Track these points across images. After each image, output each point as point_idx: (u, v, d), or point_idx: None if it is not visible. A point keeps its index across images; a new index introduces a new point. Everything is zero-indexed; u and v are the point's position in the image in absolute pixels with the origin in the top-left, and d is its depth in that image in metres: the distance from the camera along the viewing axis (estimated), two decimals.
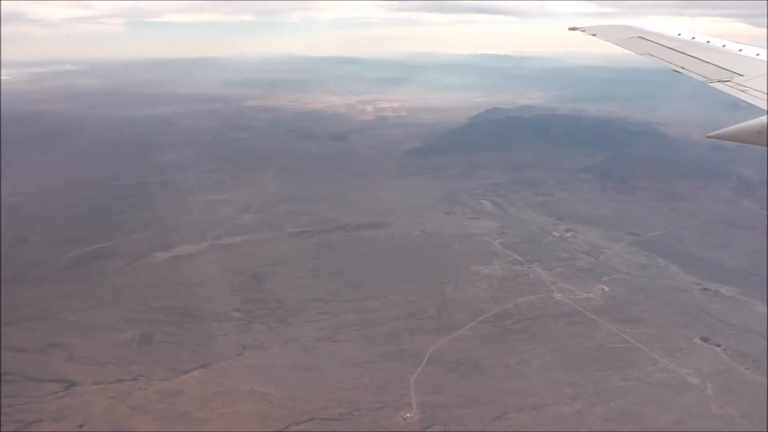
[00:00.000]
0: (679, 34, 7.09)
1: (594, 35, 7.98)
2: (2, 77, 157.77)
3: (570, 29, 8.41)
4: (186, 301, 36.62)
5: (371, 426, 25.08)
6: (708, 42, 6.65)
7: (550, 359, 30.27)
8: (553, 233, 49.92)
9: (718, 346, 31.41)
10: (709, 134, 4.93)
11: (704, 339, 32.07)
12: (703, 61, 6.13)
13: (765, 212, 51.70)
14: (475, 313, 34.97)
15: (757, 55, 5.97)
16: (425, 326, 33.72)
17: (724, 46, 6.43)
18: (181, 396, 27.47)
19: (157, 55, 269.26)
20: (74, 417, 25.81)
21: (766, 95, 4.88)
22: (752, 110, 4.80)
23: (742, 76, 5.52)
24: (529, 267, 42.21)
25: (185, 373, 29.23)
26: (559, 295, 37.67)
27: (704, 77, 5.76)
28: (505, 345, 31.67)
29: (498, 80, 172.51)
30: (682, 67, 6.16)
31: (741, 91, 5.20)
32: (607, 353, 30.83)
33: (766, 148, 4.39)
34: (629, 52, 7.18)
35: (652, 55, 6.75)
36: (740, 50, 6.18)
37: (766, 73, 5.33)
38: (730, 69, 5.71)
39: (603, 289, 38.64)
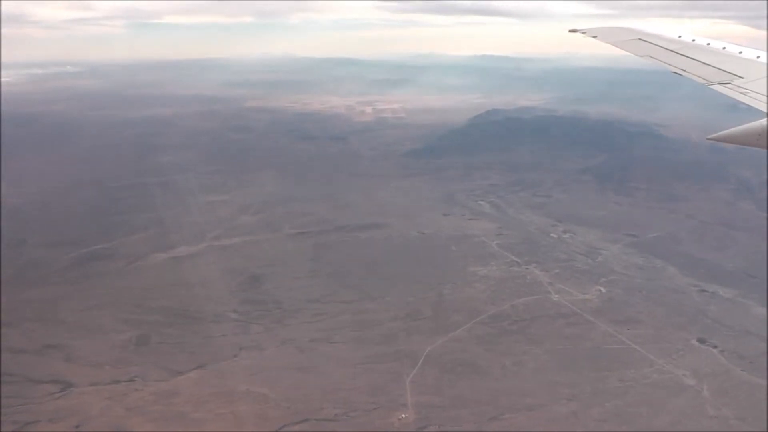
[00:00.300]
0: (680, 37, 7.07)
1: (594, 37, 8.00)
2: (2, 79, 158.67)
3: (570, 31, 8.43)
4: (184, 302, 36.82)
5: (366, 427, 25.18)
6: (708, 44, 6.64)
7: (547, 360, 30.38)
8: (551, 234, 50.06)
9: (715, 347, 31.49)
10: (709, 136, 4.95)
11: (701, 340, 32.15)
12: (704, 63, 6.13)
13: (763, 214, 51.71)
14: (472, 314, 35.09)
15: (758, 57, 5.94)
16: (422, 327, 33.84)
17: (724, 48, 6.42)
18: (177, 397, 27.62)
19: (157, 56, 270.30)
20: (71, 418, 25.97)
21: (766, 98, 4.88)
22: (752, 112, 4.82)
23: (742, 78, 5.50)
24: (527, 268, 42.34)
25: (182, 374, 29.39)
26: (556, 296, 37.79)
27: (704, 79, 5.76)
28: (502, 346, 31.79)
29: (498, 81, 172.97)
30: (682, 69, 6.16)
31: (741, 93, 5.18)
32: (603, 354, 30.93)
33: (766, 150, 4.41)
34: (629, 53, 7.21)
35: (653, 57, 6.73)
36: (740, 52, 6.17)
37: (766, 75, 5.30)
38: (731, 71, 5.70)
39: (600, 290, 38.75)
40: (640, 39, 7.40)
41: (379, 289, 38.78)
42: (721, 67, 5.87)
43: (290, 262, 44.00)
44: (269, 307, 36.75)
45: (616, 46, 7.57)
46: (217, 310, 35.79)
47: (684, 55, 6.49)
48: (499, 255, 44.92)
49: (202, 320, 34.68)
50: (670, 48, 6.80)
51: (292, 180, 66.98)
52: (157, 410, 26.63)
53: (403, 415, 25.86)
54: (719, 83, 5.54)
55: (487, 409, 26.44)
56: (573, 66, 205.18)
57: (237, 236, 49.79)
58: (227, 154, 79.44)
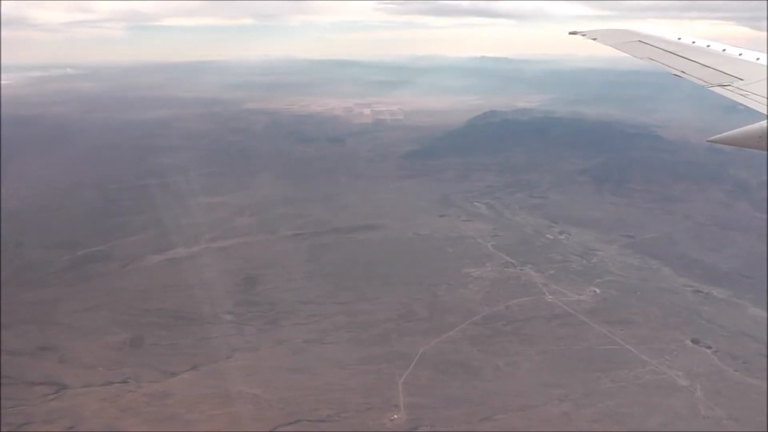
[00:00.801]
0: (679, 39, 7.10)
1: (594, 39, 8.06)
2: (3, 81, 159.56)
3: (570, 33, 8.48)
4: (179, 304, 37.05)
5: (359, 427, 25.32)
6: (708, 46, 6.65)
7: (540, 361, 30.50)
8: (547, 235, 50.23)
9: (709, 348, 31.55)
10: (710, 138, 4.97)
11: (695, 341, 32.20)
12: (703, 65, 6.12)
13: (760, 215, 51.80)
14: (466, 315, 35.26)
15: (757, 59, 5.95)
16: (416, 328, 34.01)
17: (724, 50, 6.44)
18: (170, 398, 27.80)
19: (157, 58, 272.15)
20: (65, 419, 26.17)
21: (766, 100, 4.86)
22: (750, 114, 4.89)
23: (742, 80, 5.50)
24: (522, 269, 42.50)
25: (175, 375, 29.58)
26: (551, 297, 37.93)
27: (704, 81, 5.77)
28: (495, 347, 31.93)
29: (496, 83, 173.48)
30: (682, 71, 6.17)
31: (741, 95, 5.19)
32: (596, 355, 31.03)
33: (766, 152, 4.47)
34: (629, 55, 7.25)
35: (652, 59, 6.73)
36: (740, 54, 6.18)
37: (766, 77, 5.31)
38: (730, 73, 5.72)
39: (595, 291, 38.88)
40: (639, 41, 7.42)
41: (374, 290, 38.98)
42: (720, 69, 5.87)
43: (286, 263, 44.25)
44: (264, 308, 36.97)
45: (615, 48, 7.59)
46: (212, 312, 36.00)
47: (684, 57, 6.48)
48: (494, 256, 45.13)
49: (197, 321, 34.90)
50: (670, 50, 6.83)
51: (289, 182, 67.34)
52: (151, 411, 26.82)
53: (395, 416, 26.00)
54: (719, 85, 5.55)
55: (479, 409, 26.56)
56: (572, 67, 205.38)
57: (234, 238, 50.08)
58: (225, 155, 79.89)
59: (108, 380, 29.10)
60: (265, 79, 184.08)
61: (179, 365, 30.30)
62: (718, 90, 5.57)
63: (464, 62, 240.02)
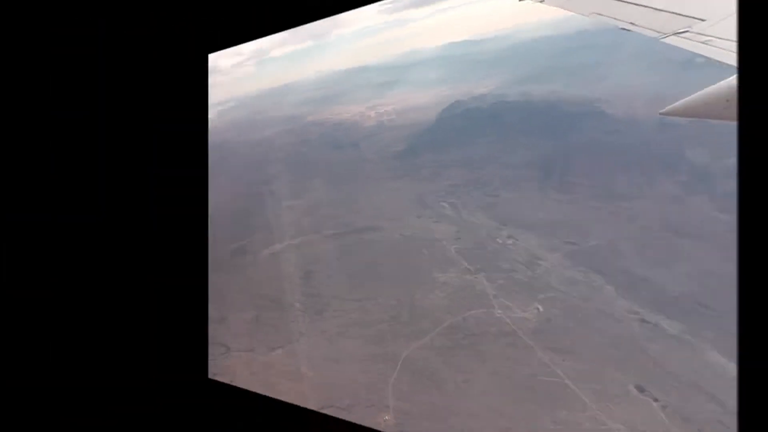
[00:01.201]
0: None
1: (541, 1, 0.71)
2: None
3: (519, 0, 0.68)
4: (274, 291, 17.28)
5: (363, 422, 10.61)
6: None
7: (489, 383, 9.03)
8: (497, 240, 13.79)
9: (656, 400, 6.44)
10: (661, 111, 0.58)
11: (639, 388, 6.10)
12: (657, 9, 0.61)
13: (722, 216, 8.50)
14: (435, 322, 11.78)
15: None
16: (401, 331, 12.38)
17: None
18: (271, 369, 13.40)
19: (266, 85, 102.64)
20: (227, 374, 12.67)
21: (735, 44, 0.40)
22: (715, 68, 0.48)
23: (703, 21, 0.55)
24: (476, 277, 12.14)
25: (273, 350, 14.03)
26: (499, 311, 10.66)
27: (657, 31, 0.59)
28: (456, 359, 10.25)
29: (460, 70, 42.34)
30: (631, 23, 0.64)
31: (702, 43, 0.52)
32: (539, 385, 8.14)
33: (735, 122, 0.44)
34: (576, 14, 0.64)
35: (600, 14, 0.66)
36: None
37: (735, 11, 0.40)
38: (689, 14, 0.58)
39: (538, 308, 9.88)
40: None
41: (375, 289, 15.66)
42: (677, 11, 0.59)
43: (327, 260, 19.21)
44: (315, 300, 16.53)
45: (563, 8, 0.72)
46: (288, 300, 16.42)
47: (635, 3, 0.65)
48: (455, 261, 13.71)
49: (281, 307, 16.16)
50: None
51: (329, 185, 27.04)
52: (263, 378, 12.58)
53: (386, 417, 10.57)
54: (674, 33, 0.57)
55: (443, 426, 9.71)
56: (522, 39, 34.43)
57: (301, 236, 22.42)
58: (298, 164, 32.94)
59: (248, 347, 14.51)
60: (317, 93, 64.54)
61: (276, 342, 14.13)
62: (672, 40, 0.59)
63: (437, 51, 56.37)
